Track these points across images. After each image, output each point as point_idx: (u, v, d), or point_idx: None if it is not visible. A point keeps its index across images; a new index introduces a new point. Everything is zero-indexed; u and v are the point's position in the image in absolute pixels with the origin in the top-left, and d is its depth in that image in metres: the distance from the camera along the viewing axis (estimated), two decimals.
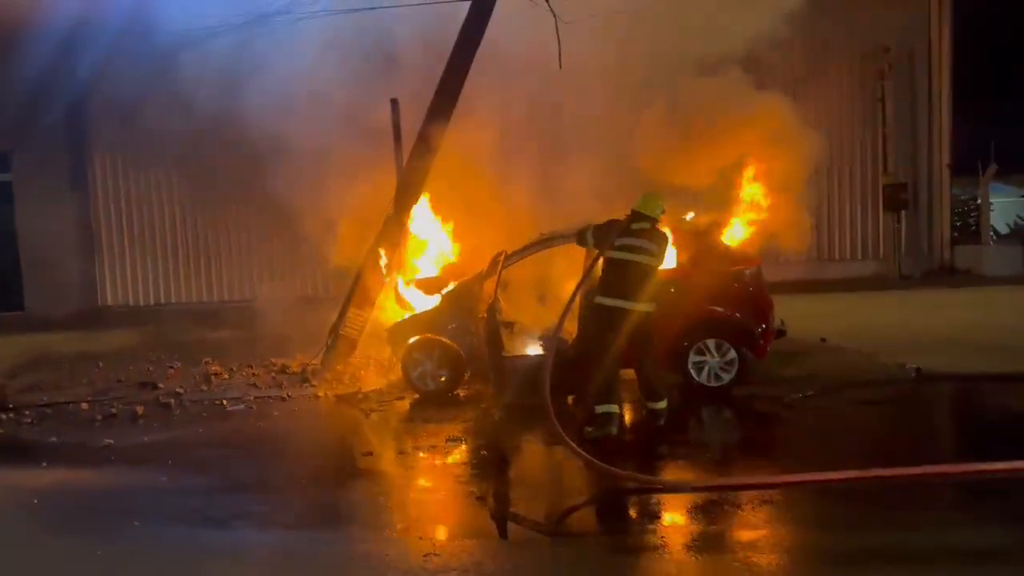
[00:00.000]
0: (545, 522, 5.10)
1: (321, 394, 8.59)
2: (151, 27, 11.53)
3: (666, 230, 6.89)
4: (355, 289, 9.11)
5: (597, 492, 5.55)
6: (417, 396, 8.22)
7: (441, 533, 4.94)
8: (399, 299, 8.76)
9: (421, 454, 6.53)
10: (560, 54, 8.34)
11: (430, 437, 6.96)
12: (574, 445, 5.93)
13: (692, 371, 7.69)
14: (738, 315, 7.76)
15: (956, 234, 16.60)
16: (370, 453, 6.64)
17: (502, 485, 5.95)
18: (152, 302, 16.79)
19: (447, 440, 6.72)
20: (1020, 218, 17.54)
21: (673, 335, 7.50)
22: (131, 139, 15.49)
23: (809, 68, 14.78)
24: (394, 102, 8.86)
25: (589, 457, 5.77)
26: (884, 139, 15.67)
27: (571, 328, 8.18)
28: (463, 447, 6.64)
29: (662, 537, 4.61)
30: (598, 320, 6.65)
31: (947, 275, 15.59)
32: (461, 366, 8.16)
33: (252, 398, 8.58)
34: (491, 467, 6.28)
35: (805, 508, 4.95)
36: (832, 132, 14.48)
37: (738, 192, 9.29)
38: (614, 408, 6.54)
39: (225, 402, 8.43)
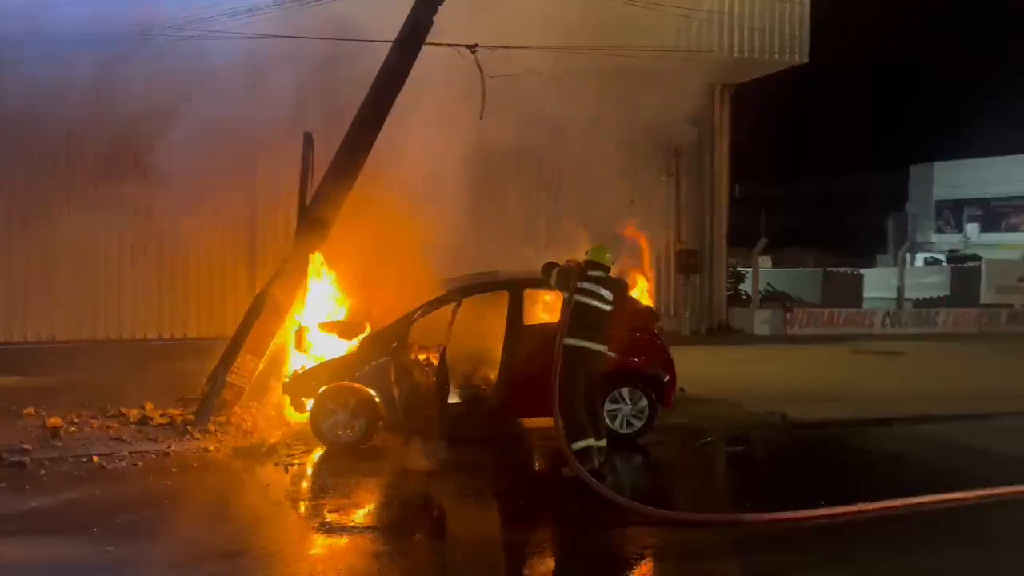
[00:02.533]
0: None
1: (212, 448, 7.70)
2: None
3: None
4: (245, 333, 8.33)
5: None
6: (326, 448, 7.71)
7: None
8: (301, 344, 8.16)
9: (378, 511, 6.18)
10: (483, 106, 8.52)
11: (371, 494, 6.66)
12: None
13: (606, 418, 8.08)
14: (647, 364, 8.32)
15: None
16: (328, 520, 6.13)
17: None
18: None
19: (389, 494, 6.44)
20: (770, 286, 20.47)
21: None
22: None
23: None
24: (307, 136, 8.37)
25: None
26: (678, 211, 17.60)
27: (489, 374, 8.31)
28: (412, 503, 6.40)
29: None
30: (566, 360, 6.89)
31: (725, 333, 17.74)
32: (377, 415, 7.80)
33: (127, 453, 7.45)
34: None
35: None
36: (638, 202, 16.01)
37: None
38: (591, 442, 6.80)
39: (96, 458, 7.24)
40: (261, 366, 8.42)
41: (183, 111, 9.56)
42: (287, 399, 8.14)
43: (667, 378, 8.34)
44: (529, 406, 7.97)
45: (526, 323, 8.06)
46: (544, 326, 7.85)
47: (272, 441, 7.87)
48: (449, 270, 8.60)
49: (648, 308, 8.85)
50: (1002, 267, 21.65)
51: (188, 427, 8.04)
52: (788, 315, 17.96)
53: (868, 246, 44.74)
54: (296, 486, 7.03)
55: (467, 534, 6.02)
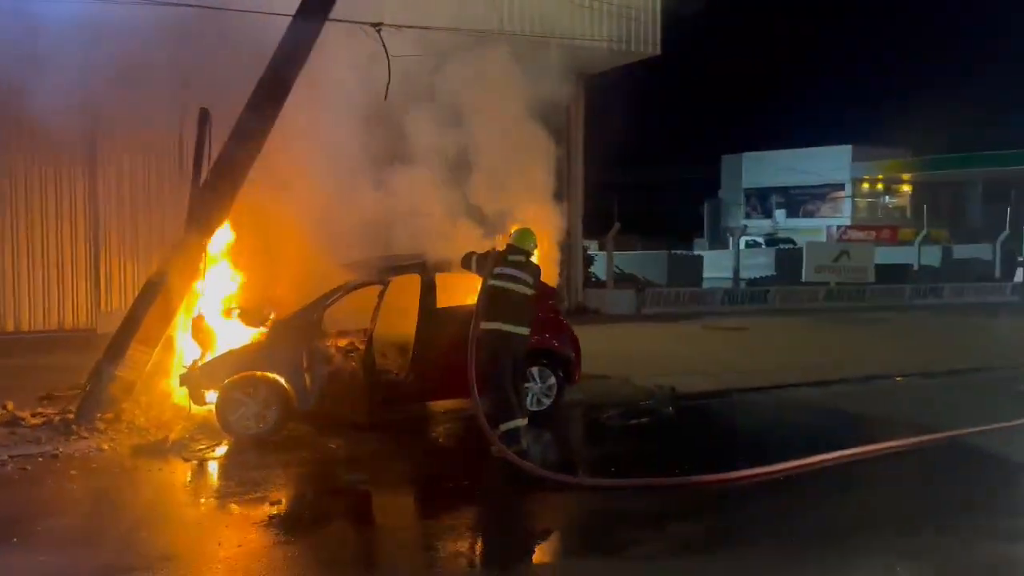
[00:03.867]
0: None
1: (106, 447, 7.09)
2: None
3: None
4: (136, 322, 7.70)
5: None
6: (234, 441, 7.33)
7: None
8: (200, 333, 7.64)
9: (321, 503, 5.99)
10: (388, 86, 8.33)
11: (288, 485, 6.48)
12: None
13: None
14: (556, 343, 8.58)
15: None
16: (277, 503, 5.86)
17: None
18: None
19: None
20: (618, 268, 21.46)
21: None
22: None
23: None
24: (203, 112, 7.78)
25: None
26: None
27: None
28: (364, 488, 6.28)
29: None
30: (488, 344, 6.98)
31: (582, 313, 18.45)
32: (290, 405, 7.51)
33: (8, 457, 6.72)
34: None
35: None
36: (503, 185, 16.30)
37: None
38: (519, 422, 6.91)
39: None
40: (153, 357, 7.84)
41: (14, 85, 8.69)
42: (185, 391, 7.64)
43: (573, 355, 8.65)
44: (444, 389, 8.01)
45: (441, 306, 8.04)
46: (459, 308, 7.91)
47: (173, 437, 7.35)
48: (354, 253, 8.41)
49: (552, 288, 9.09)
50: (819, 249, 24.04)
51: (72, 426, 7.36)
52: (641, 295, 18.97)
53: (686, 231, 48.13)
54: (212, 482, 6.65)
55: (391, 520, 5.94)
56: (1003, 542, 5.07)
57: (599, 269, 21.93)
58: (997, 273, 25.80)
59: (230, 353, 7.59)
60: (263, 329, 7.74)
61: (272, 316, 7.79)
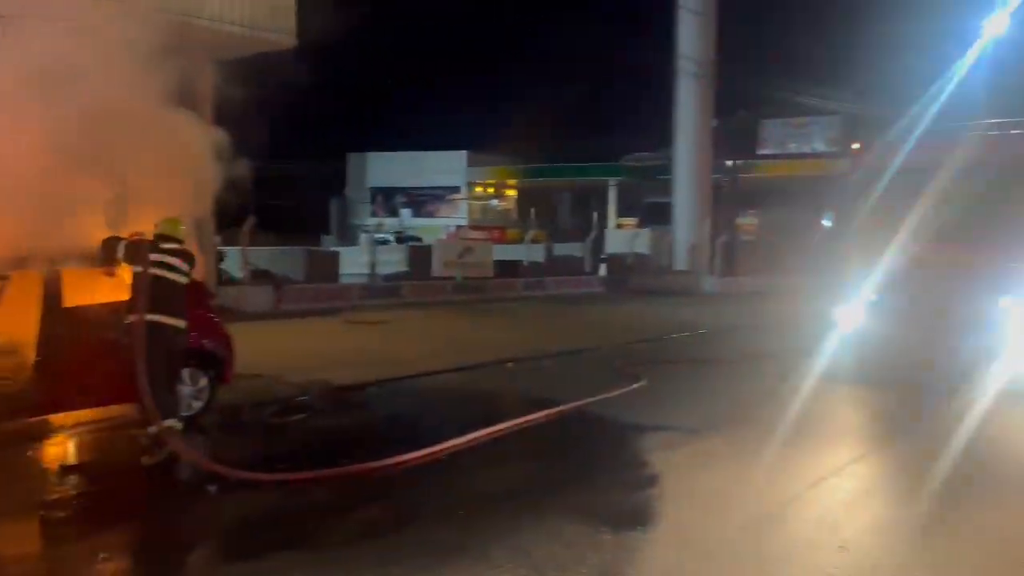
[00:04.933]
0: None
1: None
2: None
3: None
4: None
5: None
6: None
7: None
8: None
9: None
10: None
11: None
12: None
13: None
14: (208, 343, 8.03)
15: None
16: None
17: None
18: None
19: None
20: (253, 264, 20.62)
21: None
22: None
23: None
24: None
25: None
26: None
27: None
28: None
29: None
30: (144, 337, 6.38)
31: (217, 311, 17.42)
32: None
33: None
34: None
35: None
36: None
37: None
38: (175, 423, 6.49)
39: None
40: None
41: None
42: None
43: (227, 355, 8.20)
44: (73, 398, 7.09)
45: (68, 305, 7.05)
46: (91, 307, 7.05)
47: None
48: None
49: (203, 284, 8.50)
50: (447, 246, 25.71)
51: None
52: (279, 291, 18.50)
53: (315, 227, 47.93)
54: None
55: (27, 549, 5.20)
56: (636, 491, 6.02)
57: (231, 266, 20.89)
58: (587, 267, 30.02)
59: None
60: None
61: None
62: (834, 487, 6.15)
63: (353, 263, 24.34)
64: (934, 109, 12.05)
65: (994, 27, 17.79)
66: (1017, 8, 17.43)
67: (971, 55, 17.37)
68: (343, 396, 9.36)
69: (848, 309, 10.36)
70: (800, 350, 10.66)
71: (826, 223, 12.27)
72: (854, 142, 13.32)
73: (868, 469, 6.85)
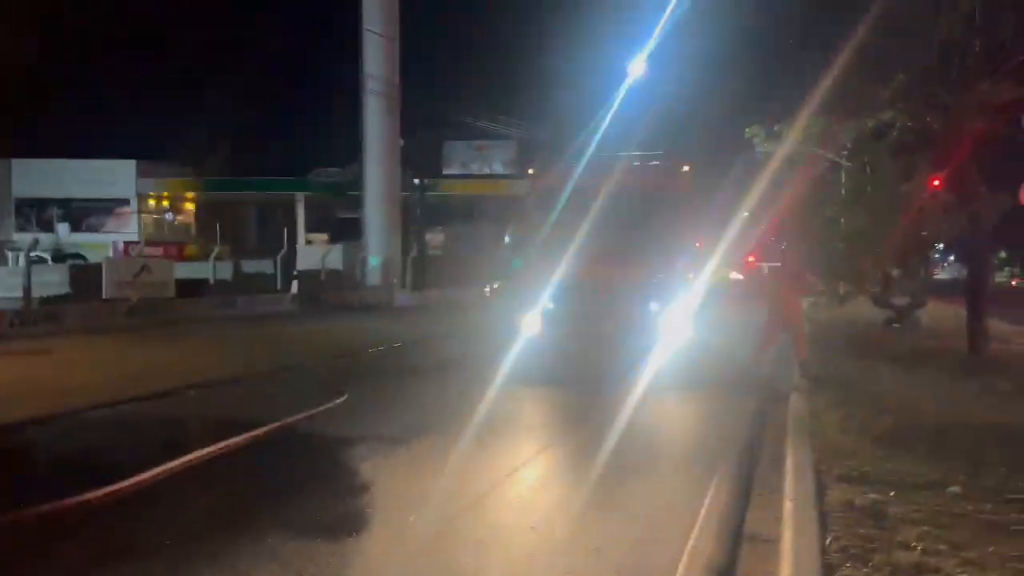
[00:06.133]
0: None
1: None
2: None
3: None
4: None
5: None
6: None
7: None
8: None
9: None
10: None
11: None
12: None
13: None
14: None
15: None
16: None
17: None
18: None
19: None
20: None
21: None
22: None
23: None
24: None
25: None
26: None
27: None
28: None
29: None
30: None
31: None
32: None
33: None
34: None
35: None
36: None
37: None
38: None
39: None
40: None
41: None
42: None
43: None
44: None
45: None
46: None
47: None
48: None
49: None
50: (119, 265, 23.44)
51: None
52: None
53: None
54: None
55: None
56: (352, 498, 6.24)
57: None
58: (279, 285, 29.31)
59: None
60: None
61: None
62: (524, 477, 6.92)
63: (2, 285, 21.28)
64: (596, 138, 14.04)
65: (636, 69, 20.75)
66: (652, 52, 20.40)
67: (620, 92, 20.15)
68: (21, 434, 8.34)
69: (529, 316, 11.60)
70: (489, 355, 11.65)
71: (507, 239, 13.59)
72: (529, 166, 14.81)
73: (551, 458, 7.76)
